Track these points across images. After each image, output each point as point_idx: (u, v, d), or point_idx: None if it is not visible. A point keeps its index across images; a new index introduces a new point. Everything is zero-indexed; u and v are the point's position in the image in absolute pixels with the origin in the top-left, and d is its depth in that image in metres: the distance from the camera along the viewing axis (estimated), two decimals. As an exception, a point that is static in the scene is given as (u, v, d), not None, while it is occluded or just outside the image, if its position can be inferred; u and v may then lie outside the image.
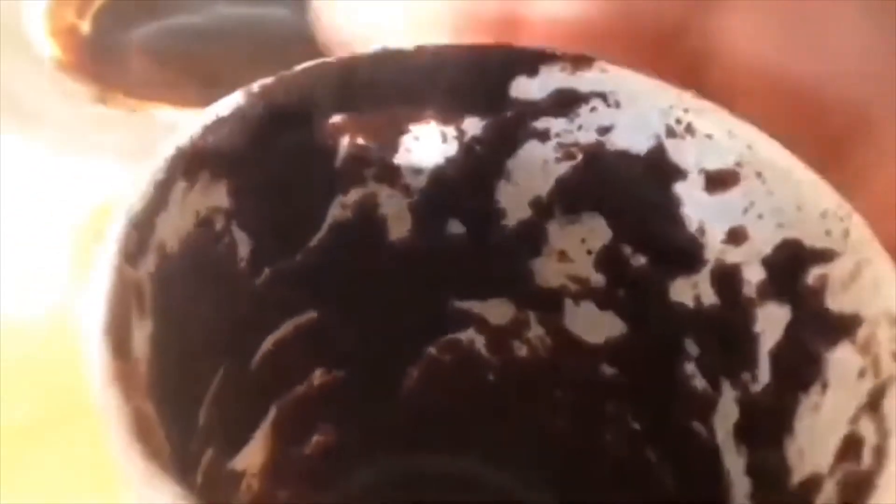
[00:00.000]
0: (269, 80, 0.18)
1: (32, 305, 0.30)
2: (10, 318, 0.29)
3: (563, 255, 0.21)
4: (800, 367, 0.17)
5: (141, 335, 0.14)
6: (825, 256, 0.17)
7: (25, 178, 0.33)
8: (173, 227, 0.16)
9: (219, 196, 0.17)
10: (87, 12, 0.38)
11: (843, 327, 0.16)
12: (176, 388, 0.16)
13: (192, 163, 0.16)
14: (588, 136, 0.19)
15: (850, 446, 0.15)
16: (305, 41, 0.39)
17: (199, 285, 0.17)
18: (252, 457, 0.21)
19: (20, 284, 0.31)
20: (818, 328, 0.17)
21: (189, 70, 0.36)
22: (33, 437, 0.27)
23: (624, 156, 0.19)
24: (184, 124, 0.17)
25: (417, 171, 0.20)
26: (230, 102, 0.17)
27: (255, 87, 0.18)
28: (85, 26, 0.37)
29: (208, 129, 0.17)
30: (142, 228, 0.15)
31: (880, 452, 0.14)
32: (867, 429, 0.15)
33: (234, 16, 0.38)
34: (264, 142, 0.18)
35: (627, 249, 0.20)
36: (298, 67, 0.18)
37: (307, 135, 0.18)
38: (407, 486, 0.23)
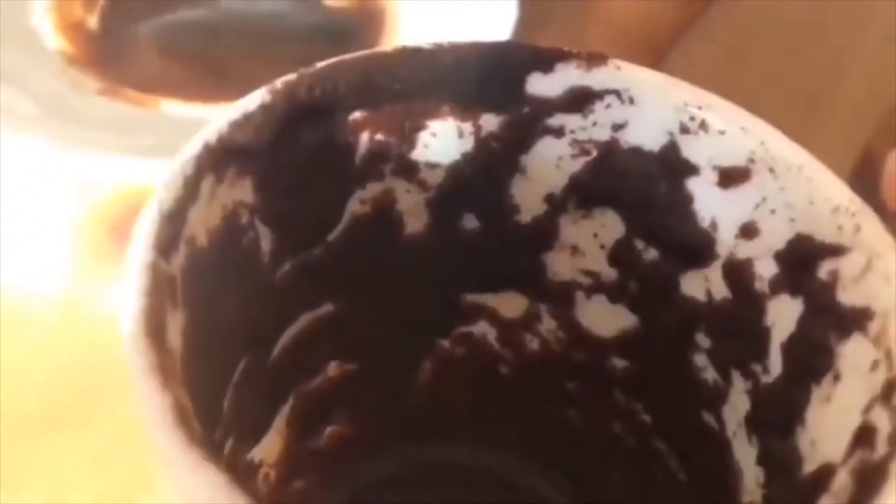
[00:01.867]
0: (291, 77, 0.18)
1: (40, 299, 0.30)
2: (13, 311, 0.30)
3: (575, 250, 0.21)
4: (812, 359, 0.17)
5: (174, 327, 0.15)
6: (837, 251, 0.17)
7: (32, 170, 0.33)
8: (202, 221, 0.16)
9: (244, 191, 0.17)
10: (95, 7, 0.38)
11: (855, 321, 0.17)
12: (204, 379, 0.16)
13: (219, 158, 0.16)
14: (602, 133, 0.20)
15: (864, 436, 0.15)
16: (308, 36, 0.39)
17: (225, 278, 0.17)
18: (269, 447, 0.21)
19: (24, 277, 0.31)
20: (830, 322, 0.17)
21: (195, 64, 0.36)
22: (37, 432, 0.27)
23: (637, 152, 0.20)
24: (194, 120, 0.17)
25: (434, 166, 0.20)
26: (255, 99, 0.17)
27: (279, 83, 0.18)
28: (92, 21, 0.38)
29: (235, 125, 0.17)
30: (174, 222, 0.15)
31: (894, 441, 0.15)
32: (881, 418, 0.15)
33: (239, 10, 0.38)
34: (287, 137, 0.18)
35: (640, 244, 0.20)
36: (320, 64, 0.19)
37: (328, 131, 0.19)
38: (420, 478, 0.23)
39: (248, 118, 0.17)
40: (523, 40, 0.21)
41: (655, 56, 0.39)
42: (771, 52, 0.40)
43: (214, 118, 0.17)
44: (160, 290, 0.14)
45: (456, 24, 0.37)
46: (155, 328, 0.14)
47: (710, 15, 0.41)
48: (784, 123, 0.19)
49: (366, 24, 0.39)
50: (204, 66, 0.36)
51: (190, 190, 0.16)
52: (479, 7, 0.37)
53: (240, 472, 0.20)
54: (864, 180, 0.34)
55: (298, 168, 0.18)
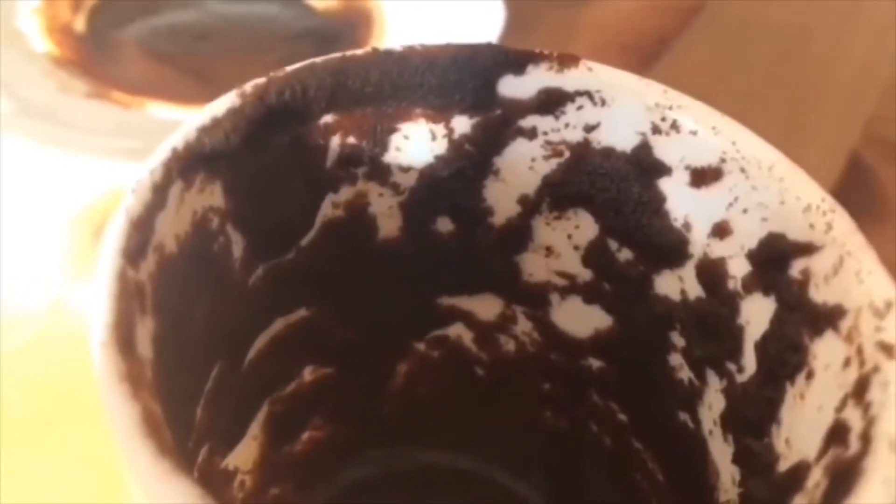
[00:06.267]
0: (261, 81, 0.18)
1: (28, 301, 0.30)
2: (7, 312, 0.29)
3: (549, 251, 0.21)
4: (785, 357, 0.17)
5: (144, 336, 0.14)
6: (808, 249, 0.17)
7: (20, 174, 0.33)
8: (171, 228, 0.16)
9: (214, 196, 0.17)
10: (82, 9, 0.38)
11: (828, 318, 0.17)
12: (176, 387, 0.16)
13: (188, 164, 0.16)
14: (575, 134, 0.20)
15: (837, 433, 0.15)
16: (295, 38, 0.39)
17: (196, 285, 0.17)
18: (245, 454, 0.21)
19: (15, 280, 0.31)
20: (803, 319, 0.17)
21: (183, 66, 0.36)
22: (26, 433, 0.27)
23: (610, 153, 0.20)
24: (181, 123, 0.17)
25: (407, 169, 0.20)
26: (224, 103, 0.17)
27: (248, 87, 0.18)
28: (79, 23, 0.37)
29: (203, 130, 0.17)
30: (142, 230, 0.15)
31: (867, 438, 0.15)
32: (853, 416, 0.15)
33: (227, 13, 0.38)
34: (258, 142, 0.18)
35: (614, 244, 0.20)
36: (290, 68, 0.18)
37: (299, 134, 0.19)
38: (397, 481, 0.23)
39: (216, 123, 0.17)
40: (511, 42, 0.21)
41: (644, 60, 0.39)
42: (760, 57, 0.40)
43: (184, 123, 0.17)
44: (128, 299, 0.14)
45: (443, 25, 0.37)
46: (123, 337, 0.14)
47: (699, 20, 0.42)
48: (772, 128, 0.19)
49: (353, 26, 0.39)
50: (191, 68, 0.36)
51: (158, 196, 0.16)
52: (466, 9, 0.37)
53: (214, 480, 0.20)
54: (850, 185, 0.35)
55: (269, 172, 0.18)
